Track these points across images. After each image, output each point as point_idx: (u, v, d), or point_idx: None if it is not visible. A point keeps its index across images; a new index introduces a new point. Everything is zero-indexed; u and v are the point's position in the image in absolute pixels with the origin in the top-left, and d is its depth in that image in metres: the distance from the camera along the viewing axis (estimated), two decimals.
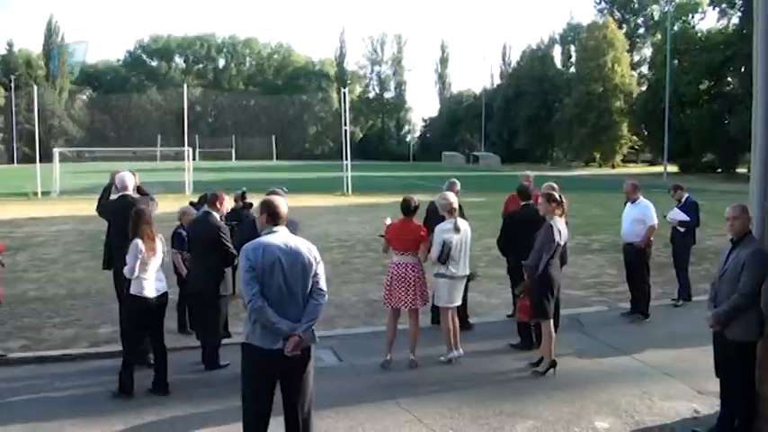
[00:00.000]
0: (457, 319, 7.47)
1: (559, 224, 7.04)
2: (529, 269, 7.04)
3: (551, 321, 7.10)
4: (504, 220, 8.34)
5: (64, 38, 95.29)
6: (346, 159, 34.32)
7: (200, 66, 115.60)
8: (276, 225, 4.52)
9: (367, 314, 9.58)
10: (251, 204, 8.59)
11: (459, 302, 7.42)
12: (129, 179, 7.38)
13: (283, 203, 4.62)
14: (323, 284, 4.50)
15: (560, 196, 7.14)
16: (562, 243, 7.06)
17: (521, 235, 7.58)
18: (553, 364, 7.03)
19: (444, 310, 7.32)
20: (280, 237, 4.46)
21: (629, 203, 9.58)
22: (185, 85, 41.60)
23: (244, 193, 10.50)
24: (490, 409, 6.11)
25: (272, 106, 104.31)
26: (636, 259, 9.33)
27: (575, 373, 7.09)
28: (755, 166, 5.48)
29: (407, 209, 7.14)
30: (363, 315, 9.54)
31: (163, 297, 6.51)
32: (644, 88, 72.55)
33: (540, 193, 7.55)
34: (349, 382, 6.79)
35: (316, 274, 4.46)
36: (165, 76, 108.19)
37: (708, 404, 6.15)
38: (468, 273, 7.40)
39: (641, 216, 9.27)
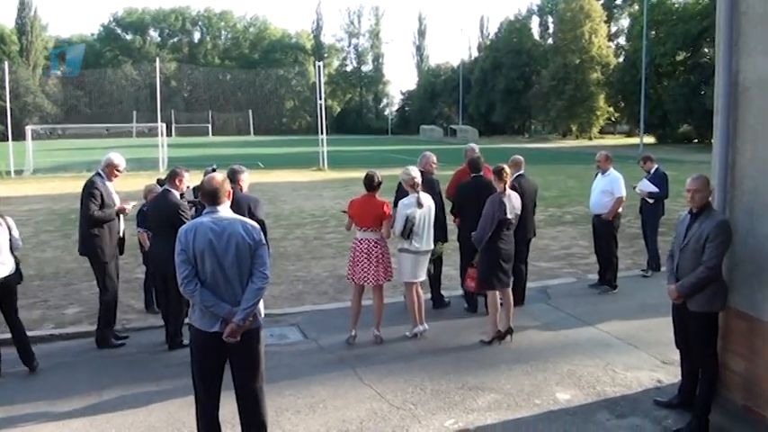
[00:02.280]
0: (422, 293, 7.48)
1: (506, 198, 7.06)
2: (476, 241, 7.14)
3: (496, 293, 7.19)
4: (456, 190, 8.27)
5: (37, 12, 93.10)
6: (322, 134, 34.06)
7: (175, 40, 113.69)
8: (215, 205, 4.39)
9: (336, 290, 9.56)
10: None
11: (423, 277, 7.41)
12: None
13: (218, 180, 4.44)
14: (264, 267, 4.38)
15: (502, 169, 7.10)
16: (510, 216, 7.08)
17: (470, 206, 7.62)
18: (499, 335, 7.13)
19: (409, 285, 7.31)
20: (216, 217, 4.34)
21: (599, 174, 9.57)
22: (157, 59, 40.70)
23: (214, 169, 10.30)
24: (452, 382, 6.12)
25: (249, 80, 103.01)
26: (603, 231, 9.38)
27: (538, 346, 7.13)
28: (717, 139, 5.46)
29: (370, 184, 7.08)
30: (332, 291, 9.52)
31: (6, 279, 6.37)
32: (621, 59, 72.64)
33: (489, 168, 7.56)
34: (312, 359, 6.77)
35: (256, 255, 4.34)
36: (140, 50, 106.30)
37: (672, 374, 6.20)
38: (431, 247, 7.38)
39: (609, 188, 9.27)
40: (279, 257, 11.56)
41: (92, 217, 6.99)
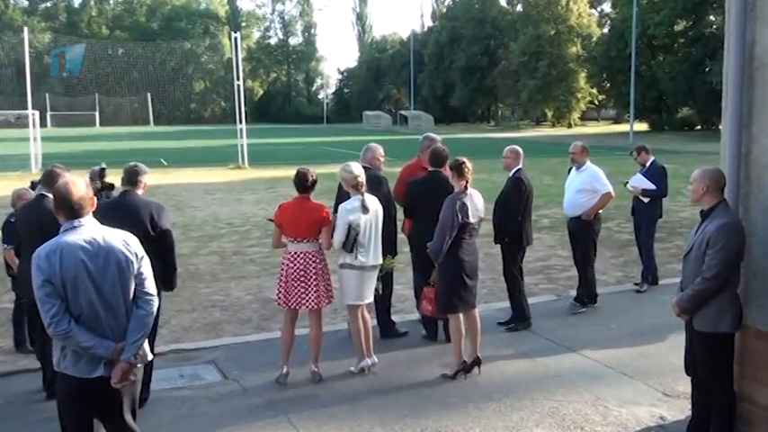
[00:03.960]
0: (369, 318, 7.49)
1: (468, 198, 7.13)
2: (432, 253, 7.16)
3: (459, 316, 7.24)
4: (406, 188, 8.26)
5: None
6: (241, 123, 33.84)
7: (49, 4, 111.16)
8: (77, 217, 4.28)
9: (262, 317, 9.52)
10: (112, 185, 8.26)
11: (370, 299, 7.42)
12: None
13: (79, 186, 4.32)
14: (149, 286, 4.35)
15: (463, 164, 7.17)
16: (473, 220, 7.16)
17: (425, 208, 7.72)
18: (465, 367, 7.19)
19: (353, 309, 7.31)
20: (84, 233, 4.25)
21: (573, 169, 9.74)
22: (25, 28, 39.66)
23: (103, 169, 10.06)
24: (409, 427, 6.13)
25: (147, 56, 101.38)
26: (581, 235, 9.51)
27: (512, 378, 7.20)
28: (727, 125, 5.56)
29: (303, 184, 7.04)
30: (258, 319, 9.49)
31: None
32: (606, 30, 74.60)
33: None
34: (235, 405, 6.70)
35: (139, 275, 4.31)
36: (1, 17, 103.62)
37: (677, 409, 6.34)
38: (380, 262, 7.40)
39: (588, 185, 9.41)
40: (189, 278, 11.43)
41: None
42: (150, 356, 4.60)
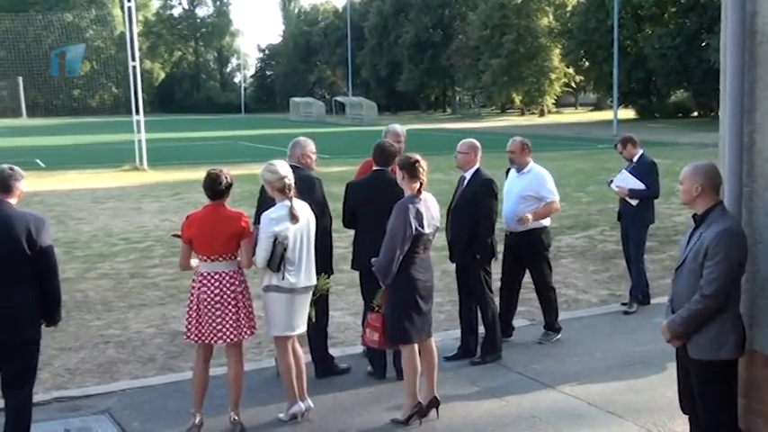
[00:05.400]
0: (301, 353, 7.47)
1: (421, 203, 7.17)
2: (378, 271, 7.15)
3: (414, 347, 7.24)
4: (345, 191, 8.30)
5: None
6: (138, 114, 33.49)
7: None
8: None
9: (168, 354, 9.47)
10: None
11: (302, 328, 7.40)
12: None
13: None
14: None
15: (416, 162, 7.20)
16: (429, 231, 7.20)
17: (368, 216, 7.73)
18: (420, 410, 7.20)
19: (281, 341, 7.28)
20: None
21: (512, 171, 9.60)
22: None
23: None
24: None
25: (17, 31, 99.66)
26: (529, 253, 9.47)
27: (478, 423, 7.25)
28: (727, 111, 5.61)
29: (215, 189, 7.00)
30: (162, 357, 9.42)
31: None
32: None
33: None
34: None
35: None
36: None
37: None
38: (313, 282, 7.40)
39: (532, 190, 9.34)
40: (75, 308, 11.30)
41: None
42: None
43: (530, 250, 9.49)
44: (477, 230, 8.60)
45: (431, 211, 7.28)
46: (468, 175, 8.79)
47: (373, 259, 7.23)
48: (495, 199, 8.69)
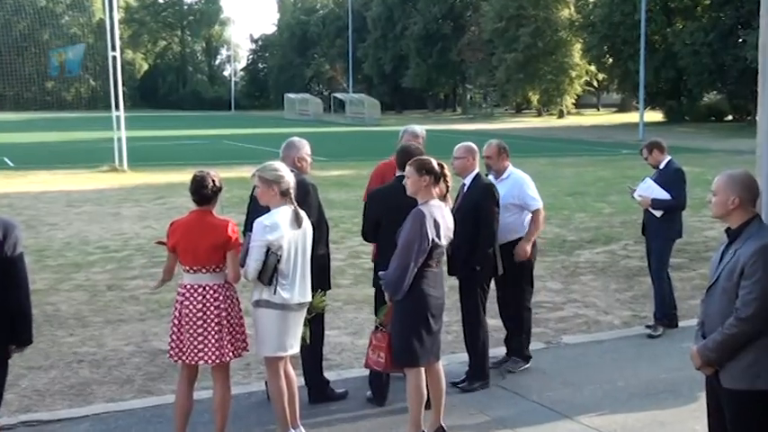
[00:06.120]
0: (294, 376, 7.46)
1: (438, 211, 7.18)
2: (388, 285, 7.15)
3: (421, 371, 7.24)
4: (367, 200, 8.42)
5: None
6: (118, 109, 33.51)
7: None
8: None
9: (148, 376, 9.43)
10: None
11: (296, 348, 7.39)
12: None
13: None
14: None
15: (441, 166, 7.24)
16: (444, 242, 7.20)
17: (393, 227, 7.70)
18: None
19: (272, 363, 7.27)
20: None
21: (490, 177, 9.38)
22: None
23: None
24: None
25: None
26: (512, 266, 9.24)
27: None
28: (765, 114, 5.68)
29: (201, 193, 7.03)
30: (141, 378, 9.39)
31: None
32: None
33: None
34: None
35: None
36: None
37: None
38: (308, 299, 7.40)
39: (514, 198, 9.24)
40: (45, 322, 11.26)
41: None
42: None
43: (512, 263, 9.22)
44: (477, 240, 8.54)
45: (446, 220, 7.28)
46: (467, 181, 8.79)
47: (381, 272, 7.24)
48: (496, 205, 8.65)
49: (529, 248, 9.24)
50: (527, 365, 9.46)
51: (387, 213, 7.98)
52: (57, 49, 72.03)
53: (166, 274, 7.28)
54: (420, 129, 9.52)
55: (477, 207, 8.60)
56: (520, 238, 9.27)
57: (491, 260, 8.70)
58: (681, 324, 10.73)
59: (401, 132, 9.43)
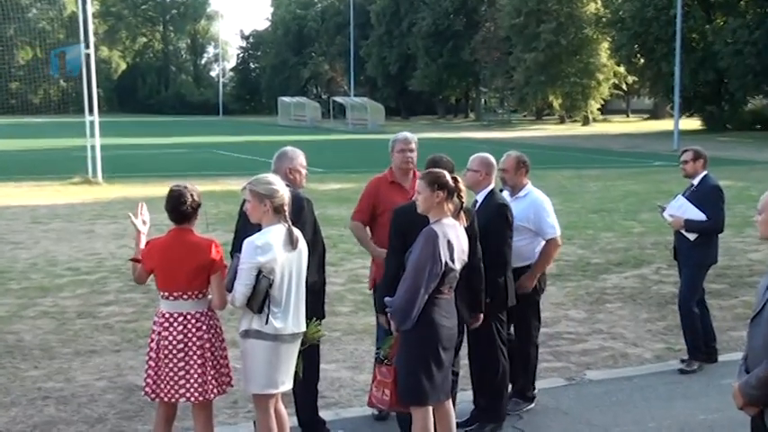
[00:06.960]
0: (286, 415, 7.46)
1: (451, 230, 7.17)
2: (395, 313, 7.12)
3: (429, 410, 7.22)
4: (393, 219, 8.06)
5: None
6: (92, 114, 33.63)
7: None
8: None
9: (122, 414, 9.39)
10: None
11: (288, 385, 7.37)
12: None
13: None
14: None
15: (455, 180, 7.22)
16: (458, 265, 7.19)
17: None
18: None
19: (262, 400, 7.26)
20: None
21: (506, 194, 9.31)
22: None
23: None
24: None
25: None
26: (518, 297, 9.06)
27: None
28: None
29: (178, 210, 7.07)
30: (114, 417, 9.33)
31: None
32: None
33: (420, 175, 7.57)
34: None
35: None
36: None
37: None
38: (303, 329, 7.38)
39: (528, 220, 9.14)
40: (6, 353, 11.29)
41: None
42: None
43: (518, 294, 9.02)
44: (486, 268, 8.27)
45: (460, 241, 7.25)
46: (480, 197, 8.72)
47: (387, 299, 7.20)
48: (509, 229, 8.53)
49: (533, 284, 9.16)
50: (531, 406, 9.39)
51: (414, 229, 7.51)
52: (57, 49, 73.26)
53: (140, 278, 7.31)
54: (411, 135, 9.23)
55: (487, 231, 8.34)
56: (528, 266, 9.18)
57: (503, 290, 8.51)
58: (721, 358, 10.70)
59: (391, 141, 9.21)
